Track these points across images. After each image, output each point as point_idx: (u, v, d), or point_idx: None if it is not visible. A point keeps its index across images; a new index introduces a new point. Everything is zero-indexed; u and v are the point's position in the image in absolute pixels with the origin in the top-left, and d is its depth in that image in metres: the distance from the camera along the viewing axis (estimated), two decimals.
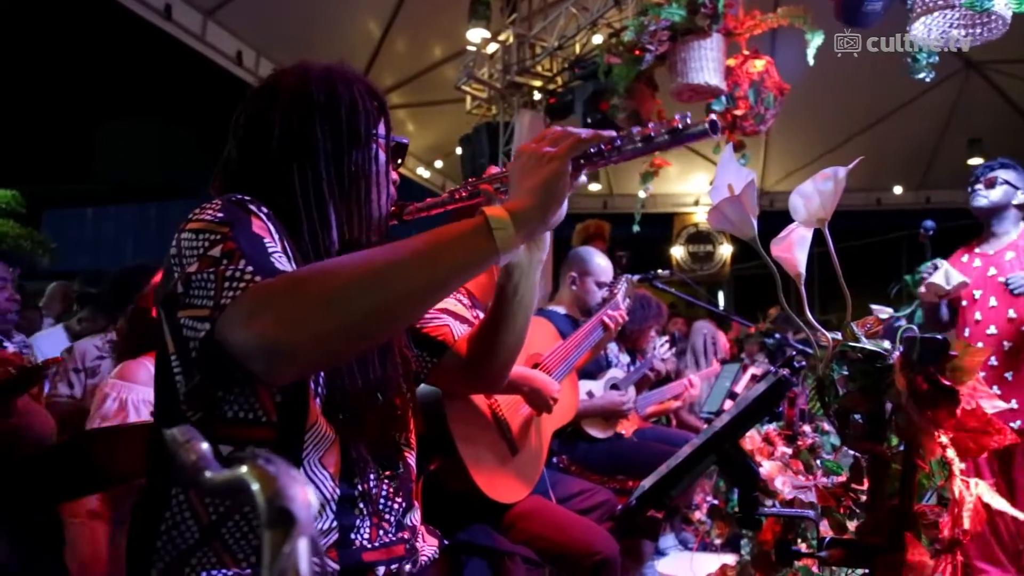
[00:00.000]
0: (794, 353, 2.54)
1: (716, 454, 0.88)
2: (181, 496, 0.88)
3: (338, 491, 0.92)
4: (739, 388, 3.73)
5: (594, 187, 8.51)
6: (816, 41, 3.42)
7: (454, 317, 1.22)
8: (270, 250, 0.84)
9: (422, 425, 1.08)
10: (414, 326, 1.14)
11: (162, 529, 0.88)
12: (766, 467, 1.38)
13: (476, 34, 5.15)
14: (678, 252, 9.19)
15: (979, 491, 0.76)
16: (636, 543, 2.74)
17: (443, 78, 6.46)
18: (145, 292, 1.94)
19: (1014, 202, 2.78)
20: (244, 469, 0.41)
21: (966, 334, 2.81)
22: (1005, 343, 2.68)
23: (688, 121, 0.78)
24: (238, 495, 0.40)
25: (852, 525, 0.93)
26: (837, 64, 3.81)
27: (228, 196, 0.90)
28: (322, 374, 0.92)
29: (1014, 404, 2.63)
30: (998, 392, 2.63)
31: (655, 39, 3.47)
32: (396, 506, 1.00)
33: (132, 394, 1.77)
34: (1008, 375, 2.67)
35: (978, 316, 2.78)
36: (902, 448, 0.79)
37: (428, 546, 1.07)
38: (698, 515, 2.96)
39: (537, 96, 5.46)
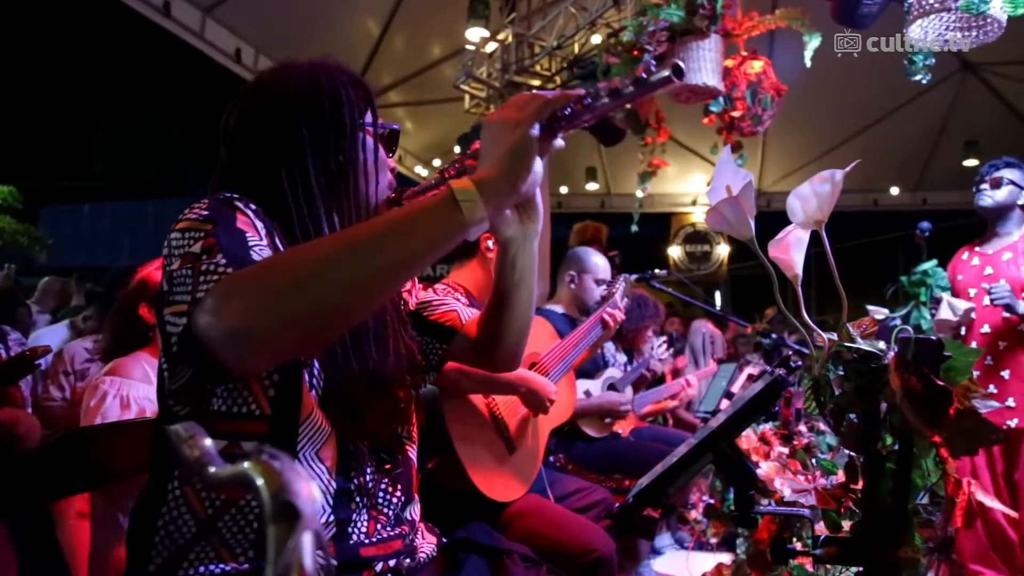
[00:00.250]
0: (790, 353, 2.55)
1: (713, 453, 0.88)
2: (178, 491, 0.88)
3: (334, 484, 0.92)
4: (736, 388, 3.74)
5: (592, 187, 8.53)
6: (814, 43, 3.43)
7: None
8: (251, 244, 0.84)
9: (424, 420, 1.08)
10: (421, 314, 1.14)
11: (159, 524, 0.89)
12: (764, 468, 1.39)
13: (475, 33, 5.15)
14: (675, 252, 9.21)
15: (972, 490, 0.76)
16: (632, 542, 2.75)
17: (442, 77, 6.46)
18: (129, 290, 1.93)
19: (1019, 202, 2.77)
20: (248, 464, 0.41)
21: (962, 332, 2.83)
22: (1000, 342, 2.70)
23: (652, 69, 0.77)
24: (242, 490, 0.41)
25: (847, 524, 0.94)
26: (834, 66, 3.82)
27: (216, 195, 0.90)
28: (316, 366, 0.92)
29: (1011, 402, 2.64)
30: (994, 391, 2.66)
31: (654, 39, 3.48)
32: (395, 500, 1.01)
33: (133, 390, 1.77)
34: (1004, 373, 2.68)
35: (973, 315, 2.80)
36: (897, 447, 0.80)
37: (427, 543, 1.07)
38: (694, 514, 2.98)
39: None
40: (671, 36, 3.49)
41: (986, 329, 2.74)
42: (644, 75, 0.77)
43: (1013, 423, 2.63)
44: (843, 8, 3.09)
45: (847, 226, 8.72)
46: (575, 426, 2.61)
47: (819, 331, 0.88)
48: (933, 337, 0.77)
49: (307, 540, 0.38)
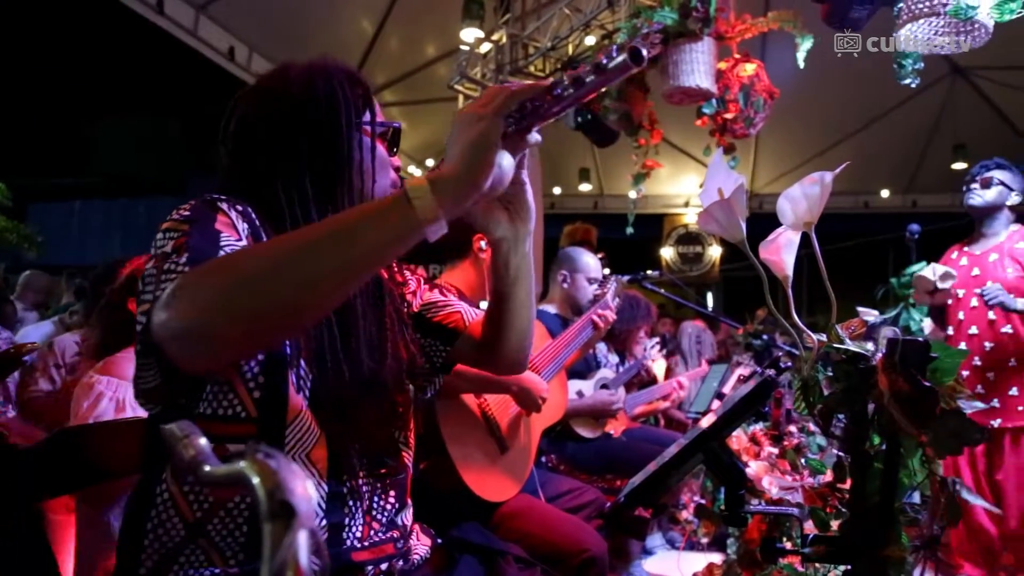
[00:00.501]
0: (780, 354, 2.57)
1: (703, 453, 0.89)
2: (166, 494, 0.88)
3: (325, 487, 0.92)
4: (727, 388, 3.76)
5: (585, 187, 8.54)
6: (806, 45, 3.45)
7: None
8: (223, 244, 0.83)
9: (421, 425, 1.07)
10: (424, 316, 1.12)
11: (148, 527, 0.88)
12: (753, 467, 1.40)
13: (469, 33, 5.15)
14: (667, 253, 9.23)
15: (957, 489, 0.78)
16: (624, 542, 2.76)
17: (436, 77, 6.46)
18: (117, 285, 1.93)
19: (1008, 203, 2.81)
20: (244, 462, 0.42)
21: (949, 332, 2.86)
22: (987, 343, 2.72)
23: (613, 55, 0.76)
24: (238, 488, 0.41)
25: (836, 524, 0.95)
26: (826, 68, 3.85)
27: (203, 196, 0.90)
28: (303, 367, 0.91)
29: (996, 403, 2.67)
30: (981, 391, 2.69)
31: (647, 41, 3.49)
32: (388, 505, 1.00)
33: (129, 394, 1.76)
34: (990, 375, 2.71)
35: (961, 316, 2.83)
36: (884, 447, 0.81)
37: (421, 544, 1.07)
38: (685, 514, 2.98)
39: None
40: (665, 39, 3.51)
41: (974, 330, 2.77)
42: (604, 61, 0.76)
43: (996, 423, 2.66)
44: (834, 12, 3.12)
45: (838, 228, 8.78)
46: (567, 427, 2.62)
47: (808, 332, 0.89)
48: (920, 339, 0.78)
49: (303, 538, 0.38)
